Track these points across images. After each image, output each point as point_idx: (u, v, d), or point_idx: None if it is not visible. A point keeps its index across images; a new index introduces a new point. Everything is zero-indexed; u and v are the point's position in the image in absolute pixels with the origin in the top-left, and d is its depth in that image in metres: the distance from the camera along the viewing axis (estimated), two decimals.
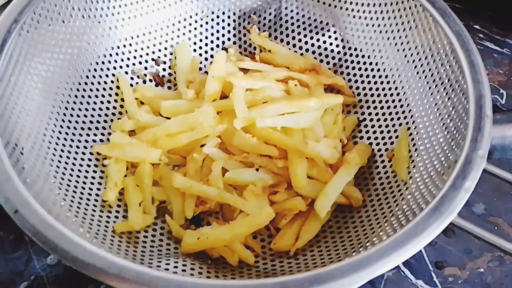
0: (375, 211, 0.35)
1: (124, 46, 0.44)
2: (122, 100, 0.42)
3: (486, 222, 0.43)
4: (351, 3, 0.44)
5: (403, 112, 0.39)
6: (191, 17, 0.47)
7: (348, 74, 0.44)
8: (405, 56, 0.40)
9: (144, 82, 0.45)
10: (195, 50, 0.47)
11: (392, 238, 0.26)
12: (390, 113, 0.41)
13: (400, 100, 0.40)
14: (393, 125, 0.40)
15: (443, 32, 0.36)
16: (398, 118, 0.40)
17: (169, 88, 0.46)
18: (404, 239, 0.26)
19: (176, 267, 0.31)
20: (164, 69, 0.46)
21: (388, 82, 0.41)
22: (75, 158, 0.36)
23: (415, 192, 0.32)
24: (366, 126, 0.42)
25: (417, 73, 0.39)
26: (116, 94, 0.42)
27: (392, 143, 0.39)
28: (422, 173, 0.33)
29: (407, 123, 0.38)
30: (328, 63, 0.46)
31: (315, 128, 0.38)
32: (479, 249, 0.41)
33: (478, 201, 0.44)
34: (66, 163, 0.35)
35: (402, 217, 0.31)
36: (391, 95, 0.41)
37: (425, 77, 0.38)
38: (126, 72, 0.44)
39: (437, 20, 0.37)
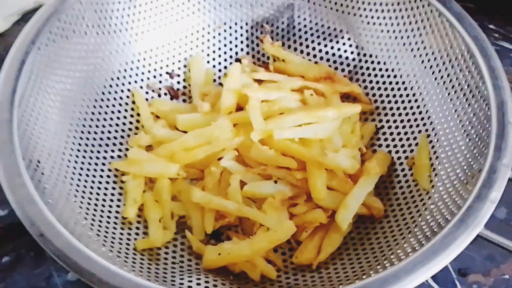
0: (398, 222, 0.34)
1: (138, 60, 0.44)
2: (138, 115, 0.42)
3: (509, 226, 0.42)
4: (364, 9, 0.43)
5: (422, 118, 0.39)
6: (203, 29, 0.47)
7: (364, 81, 0.44)
8: (422, 61, 0.40)
9: (159, 95, 0.45)
10: (208, 62, 0.47)
11: (419, 252, 0.26)
12: (408, 120, 0.40)
13: (418, 107, 0.39)
14: (412, 132, 0.39)
15: (461, 37, 0.35)
16: (417, 125, 0.39)
17: (184, 101, 0.46)
18: (431, 254, 0.25)
19: (198, 284, 0.31)
20: (178, 82, 0.46)
21: (405, 89, 0.41)
22: (94, 176, 0.36)
23: (439, 202, 0.32)
24: (384, 133, 0.41)
25: (435, 78, 0.38)
26: (132, 109, 0.43)
27: (412, 150, 0.39)
28: (445, 182, 0.33)
29: (426, 130, 0.38)
30: (343, 70, 0.45)
31: (333, 138, 0.38)
32: (503, 255, 0.40)
33: (499, 205, 0.43)
34: (86, 181, 0.35)
35: (426, 228, 0.30)
36: (409, 101, 0.40)
37: (444, 82, 0.37)
38: (141, 87, 0.44)
39: (454, 24, 0.36)
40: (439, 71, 0.38)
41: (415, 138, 0.39)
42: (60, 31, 0.37)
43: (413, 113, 0.40)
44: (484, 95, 0.32)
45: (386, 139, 0.41)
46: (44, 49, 0.35)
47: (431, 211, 0.32)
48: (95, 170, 0.37)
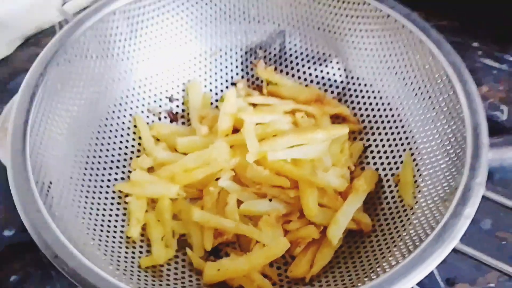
0: (384, 236, 0.37)
1: (139, 87, 0.47)
2: (140, 138, 0.45)
3: (494, 237, 0.44)
4: (351, 35, 0.46)
5: (407, 138, 0.41)
6: (200, 55, 0.50)
7: (352, 102, 0.47)
8: (406, 84, 0.42)
9: (159, 119, 0.47)
10: (205, 86, 0.50)
11: (401, 265, 0.28)
12: (394, 139, 0.43)
13: (403, 126, 0.42)
14: (398, 151, 0.42)
15: (439, 63, 0.38)
16: (402, 144, 0.42)
17: (183, 123, 0.48)
18: (412, 266, 0.28)
19: None
20: (177, 106, 0.49)
21: (390, 109, 0.44)
22: (99, 197, 0.39)
23: (421, 217, 0.34)
24: (372, 152, 0.44)
25: (418, 100, 0.41)
26: (134, 133, 0.45)
27: (397, 168, 0.41)
28: (427, 198, 0.35)
29: (410, 148, 0.40)
30: (332, 92, 0.48)
31: (323, 158, 0.40)
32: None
33: (484, 217, 0.46)
34: (92, 202, 0.38)
35: (409, 242, 0.33)
36: (394, 121, 0.43)
37: (425, 104, 0.40)
38: (142, 111, 0.46)
39: (433, 51, 0.39)
40: (421, 93, 0.40)
41: (400, 156, 0.41)
42: (67, 64, 0.39)
43: (398, 133, 0.42)
44: (461, 118, 0.35)
45: (373, 157, 0.44)
46: (52, 80, 0.38)
47: (414, 225, 0.34)
48: (100, 192, 0.39)
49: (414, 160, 0.40)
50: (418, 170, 0.39)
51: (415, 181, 0.38)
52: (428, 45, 0.39)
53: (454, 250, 0.40)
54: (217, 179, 0.41)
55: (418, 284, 0.41)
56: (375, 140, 0.44)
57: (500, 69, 0.59)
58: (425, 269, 0.27)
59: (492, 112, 0.55)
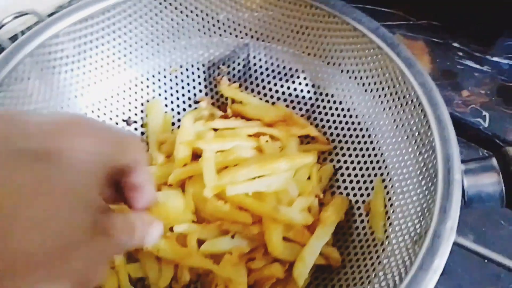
0: (354, 274, 0.34)
1: (92, 111, 0.43)
2: None
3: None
4: (318, 49, 0.43)
5: (378, 161, 0.38)
6: (159, 73, 0.46)
7: (322, 120, 0.44)
8: (377, 103, 0.39)
9: None
10: (167, 106, 0.46)
11: None
12: (365, 162, 0.40)
13: (374, 149, 0.39)
14: (369, 175, 0.39)
15: (409, 84, 0.35)
16: (373, 168, 0.39)
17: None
18: None
19: None
20: (136, 129, 0.45)
21: (361, 129, 0.41)
22: None
23: (391, 257, 0.32)
24: (342, 174, 0.41)
25: (389, 121, 0.38)
26: None
27: (369, 194, 0.39)
28: (397, 235, 0.33)
29: (381, 174, 0.38)
30: (301, 109, 0.45)
31: (288, 188, 0.37)
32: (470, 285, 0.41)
33: (467, 232, 0.44)
34: None
35: (383, 284, 0.30)
36: (365, 142, 0.40)
37: (396, 126, 0.37)
38: None
39: (403, 70, 0.36)
40: (392, 114, 0.38)
41: (371, 182, 0.39)
42: (3, 94, 0.36)
43: (369, 155, 0.39)
44: (432, 146, 0.32)
45: (344, 181, 0.41)
46: None
47: (384, 266, 0.31)
48: None
49: (385, 187, 0.37)
50: (390, 199, 0.36)
51: (386, 212, 0.36)
52: (397, 63, 0.36)
53: None
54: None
55: None
56: (345, 162, 0.41)
57: (482, 71, 0.57)
58: None
59: (473, 119, 0.52)
